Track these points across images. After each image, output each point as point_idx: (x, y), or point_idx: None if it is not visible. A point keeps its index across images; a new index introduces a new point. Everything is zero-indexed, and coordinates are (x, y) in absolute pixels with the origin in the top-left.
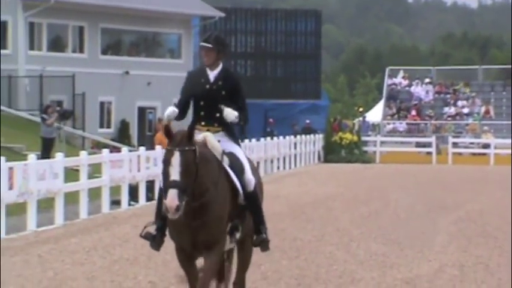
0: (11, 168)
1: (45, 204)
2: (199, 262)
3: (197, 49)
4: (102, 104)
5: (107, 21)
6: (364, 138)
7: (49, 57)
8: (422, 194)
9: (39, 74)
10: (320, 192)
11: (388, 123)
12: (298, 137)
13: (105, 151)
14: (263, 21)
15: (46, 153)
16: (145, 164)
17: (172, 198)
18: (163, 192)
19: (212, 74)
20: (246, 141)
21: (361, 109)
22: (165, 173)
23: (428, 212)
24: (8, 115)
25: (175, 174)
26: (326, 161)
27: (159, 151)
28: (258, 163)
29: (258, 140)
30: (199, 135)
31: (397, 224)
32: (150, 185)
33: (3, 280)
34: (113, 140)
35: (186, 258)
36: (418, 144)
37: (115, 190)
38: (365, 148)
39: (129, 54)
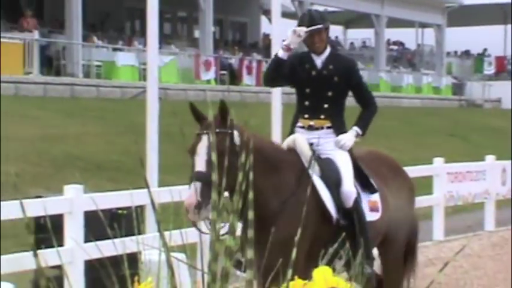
0: (503, 169)
1: None
2: None
3: None
4: None
5: None
6: None
7: None
8: None
9: None
10: None
11: None
12: None
13: None
14: None
15: None
16: None
17: (191, 193)
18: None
19: (319, 59)
20: None
21: None
22: (192, 166)
23: None
24: None
25: (200, 164)
26: None
27: None
28: None
29: None
30: (290, 137)
31: None
32: None
33: None
34: None
35: None
36: None
37: None
38: None
39: None
